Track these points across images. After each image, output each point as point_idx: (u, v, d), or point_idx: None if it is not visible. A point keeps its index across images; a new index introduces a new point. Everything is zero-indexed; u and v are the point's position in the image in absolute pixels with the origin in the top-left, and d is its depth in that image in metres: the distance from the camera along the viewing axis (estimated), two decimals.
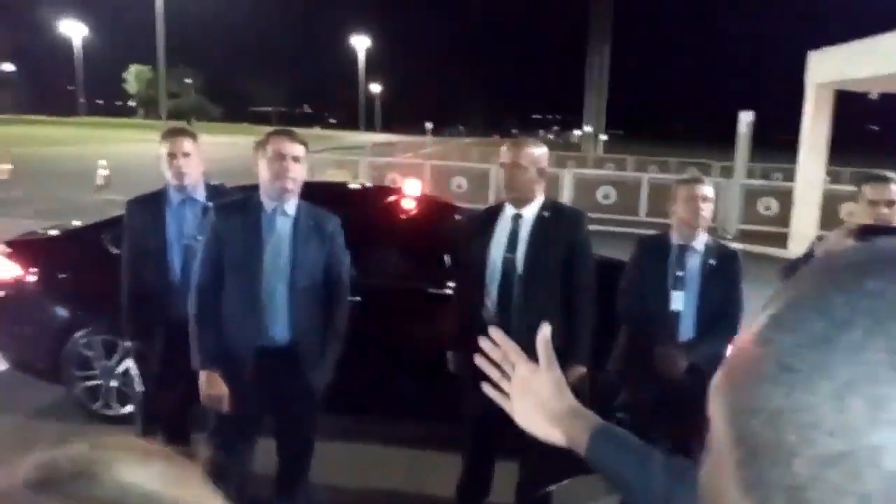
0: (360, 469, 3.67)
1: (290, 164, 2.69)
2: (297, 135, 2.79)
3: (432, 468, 3.70)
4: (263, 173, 2.73)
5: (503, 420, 3.04)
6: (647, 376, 2.93)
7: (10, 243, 4.26)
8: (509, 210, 2.97)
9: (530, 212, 2.94)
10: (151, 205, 3.21)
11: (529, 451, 2.93)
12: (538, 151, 2.94)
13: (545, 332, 1.00)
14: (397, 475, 3.61)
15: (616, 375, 3.16)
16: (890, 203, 2.86)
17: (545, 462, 2.94)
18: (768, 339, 0.37)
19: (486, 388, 1.01)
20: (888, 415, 0.32)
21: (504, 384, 0.99)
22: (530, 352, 3.14)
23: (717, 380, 0.40)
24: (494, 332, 1.01)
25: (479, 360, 1.04)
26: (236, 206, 2.83)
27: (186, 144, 3.16)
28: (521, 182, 2.89)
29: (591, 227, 3.13)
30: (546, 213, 2.94)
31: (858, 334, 0.33)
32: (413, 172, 14.24)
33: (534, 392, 0.97)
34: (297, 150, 2.72)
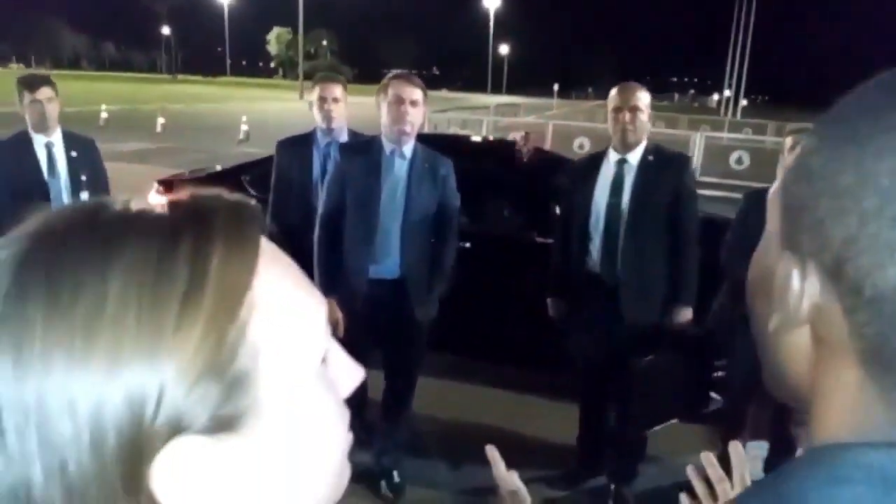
0: (461, 406, 3.85)
1: (408, 108, 2.82)
2: (415, 79, 2.90)
3: (529, 411, 3.82)
4: (384, 117, 2.88)
5: (611, 361, 3.11)
6: (745, 335, 2.88)
7: (161, 181, 4.75)
8: (613, 155, 2.97)
9: (635, 157, 2.94)
10: (300, 145, 3.44)
11: (629, 394, 2.98)
12: (648, 96, 2.94)
13: (492, 454, 0.89)
14: (497, 414, 3.75)
15: (715, 336, 3.12)
16: None
17: (644, 406, 2.99)
18: (808, 138, 0.43)
19: (683, 500, 0.86)
20: None
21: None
22: (634, 296, 3.16)
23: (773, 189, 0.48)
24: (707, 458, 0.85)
25: (690, 472, 0.86)
26: (359, 147, 3.03)
27: (337, 90, 3.37)
28: (638, 125, 2.88)
29: (722, 194, 3.08)
30: (651, 157, 2.93)
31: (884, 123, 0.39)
32: (536, 132, 14.14)
33: None
34: (416, 94, 2.84)
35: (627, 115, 2.87)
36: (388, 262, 2.90)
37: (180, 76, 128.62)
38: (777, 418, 3.11)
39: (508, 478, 0.85)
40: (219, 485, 0.36)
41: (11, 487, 0.33)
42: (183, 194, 0.40)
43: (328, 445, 0.43)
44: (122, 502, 0.33)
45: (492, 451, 0.86)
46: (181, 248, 0.35)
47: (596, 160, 3.06)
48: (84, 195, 3.28)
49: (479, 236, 3.86)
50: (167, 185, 4.69)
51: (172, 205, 0.38)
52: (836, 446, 0.40)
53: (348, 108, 3.47)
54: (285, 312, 0.39)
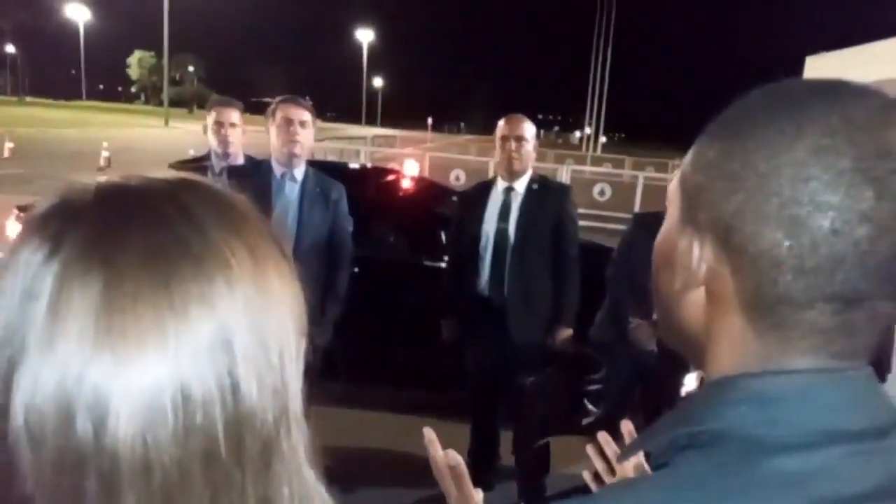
0: (353, 432, 3.83)
1: (297, 129, 2.85)
2: (303, 101, 2.94)
3: (420, 431, 3.86)
4: (273, 139, 2.89)
5: (502, 379, 3.20)
6: (622, 348, 3.10)
7: (21, 208, 4.41)
8: (501, 184, 3.13)
9: (521, 185, 3.11)
10: (194, 170, 3.34)
11: (526, 409, 3.11)
12: (533, 127, 3.13)
13: (429, 435, 0.91)
14: (389, 437, 3.77)
15: (593, 348, 3.33)
16: None
17: (541, 418, 3.13)
18: (702, 138, 0.56)
19: (586, 476, 0.94)
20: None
21: (608, 478, 0.93)
22: (521, 315, 3.27)
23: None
24: (603, 437, 0.93)
25: (589, 449, 0.94)
26: (249, 170, 3.01)
27: (234, 115, 3.32)
28: (523, 154, 3.05)
29: (588, 224, 3.30)
30: (535, 186, 3.12)
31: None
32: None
33: None
34: (304, 115, 2.88)
35: (513, 144, 3.04)
36: None
37: (29, 98, 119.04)
38: (650, 424, 3.35)
39: (445, 456, 0.88)
40: None
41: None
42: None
43: None
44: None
45: (429, 433, 0.91)
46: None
47: (485, 188, 3.22)
48: None
49: (367, 261, 3.90)
50: (27, 210, 4.38)
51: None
52: (725, 377, 0.52)
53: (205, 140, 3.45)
54: None
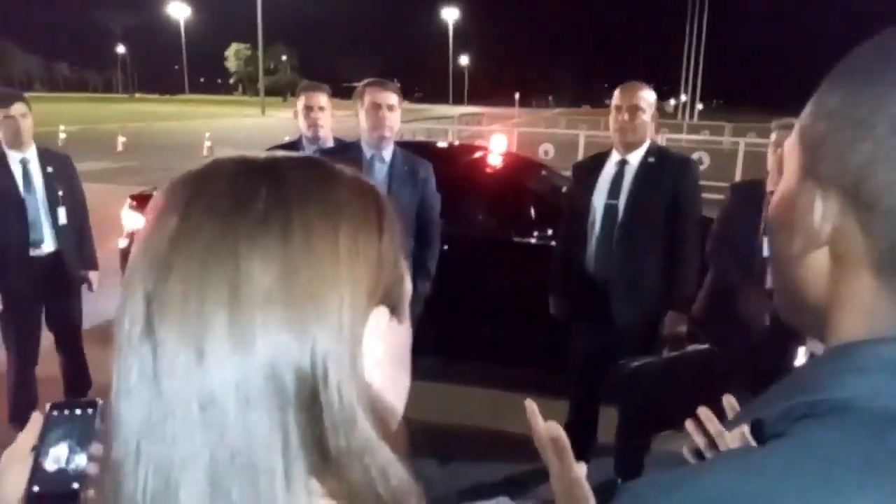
0: (449, 407, 3.88)
1: (385, 113, 2.87)
2: (391, 84, 2.96)
3: (517, 408, 3.87)
4: (362, 122, 2.93)
5: (605, 361, 3.10)
6: (731, 323, 2.95)
7: (134, 196, 4.71)
8: (615, 156, 2.96)
9: (636, 158, 2.91)
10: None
11: (632, 397, 3.02)
12: (652, 95, 2.91)
13: (531, 407, 0.91)
14: (485, 413, 3.80)
15: (697, 326, 3.19)
16: None
17: (647, 409, 3.03)
18: (823, 88, 0.51)
19: (686, 453, 0.87)
20: None
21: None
22: (626, 297, 3.12)
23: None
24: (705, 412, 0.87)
25: (689, 425, 0.88)
26: (339, 152, 3.08)
27: (322, 99, 3.41)
28: (637, 125, 2.85)
29: None
30: (651, 159, 2.90)
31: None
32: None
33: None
34: (391, 98, 2.90)
35: (626, 115, 2.85)
36: None
37: (138, 95, 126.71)
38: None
39: (547, 428, 0.89)
40: (385, 346, 0.48)
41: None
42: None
43: (409, 357, 0.55)
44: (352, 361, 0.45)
45: (530, 405, 0.91)
46: (364, 182, 0.51)
47: (599, 160, 3.05)
48: (61, 211, 3.25)
49: (457, 238, 3.92)
50: (140, 199, 4.67)
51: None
52: (852, 343, 0.47)
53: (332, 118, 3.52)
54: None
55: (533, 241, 4.04)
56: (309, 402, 0.42)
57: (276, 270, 0.42)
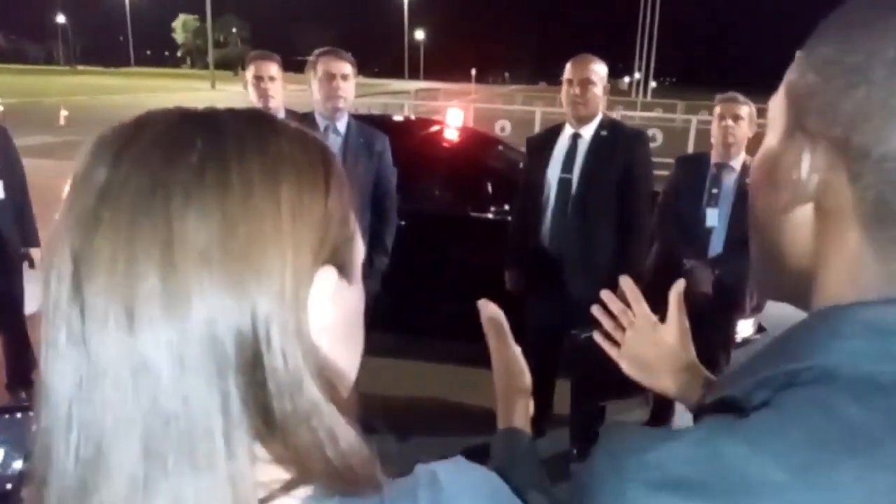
0: (406, 383, 3.88)
1: (339, 83, 2.81)
2: (344, 53, 2.89)
3: (474, 382, 3.89)
4: (315, 93, 2.87)
5: (560, 334, 3.13)
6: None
7: None
8: (568, 130, 2.95)
9: (588, 131, 2.91)
10: None
11: (584, 367, 3.05)
12: (603, 68, 2.91)
13: (679, 286, 0.94)
14: (441, 388, 3.81)
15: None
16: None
17: (599, 378, 3.07)
18: (811, 42, 0.50)
19: (597, 337, 0.98)
20: None
21: (618, 334, 0.96)
22: (580, 270, 3.17)
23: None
24: (625, 281, 0.97)
25: (595, 310, 1.00)
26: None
27: (272, 69, 3.29)
28: (589, 98, 2.84)
29: None
30: (604, 132, 2.90)
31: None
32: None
33: (656, 343, 0.92)
34: (345, 68, 2.84)
35: (578, 89, 2.84)
36: None
37: (80, 67, 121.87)
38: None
39: (485, 306, 0.95)
40: (334, 309, 0.46)
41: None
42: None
43: (361, 320, 0.54)
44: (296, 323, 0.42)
45: (484, 302, 0.96)
46: (311, 139, 0.48)
47: (552, 134, 3.04)
48: None
49: (413, 213, 3.89)
50: None
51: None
52: (835, 307, 0.46)
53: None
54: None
55: (490, 216, 4.03)
56: (251, 366, 0.40)
57: (213, 228, 0.39)
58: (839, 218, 0.47)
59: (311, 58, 2.93)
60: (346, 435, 0.43)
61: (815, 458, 0.39)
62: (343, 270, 0.47)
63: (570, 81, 2.89)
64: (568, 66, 2.92)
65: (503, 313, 0.93)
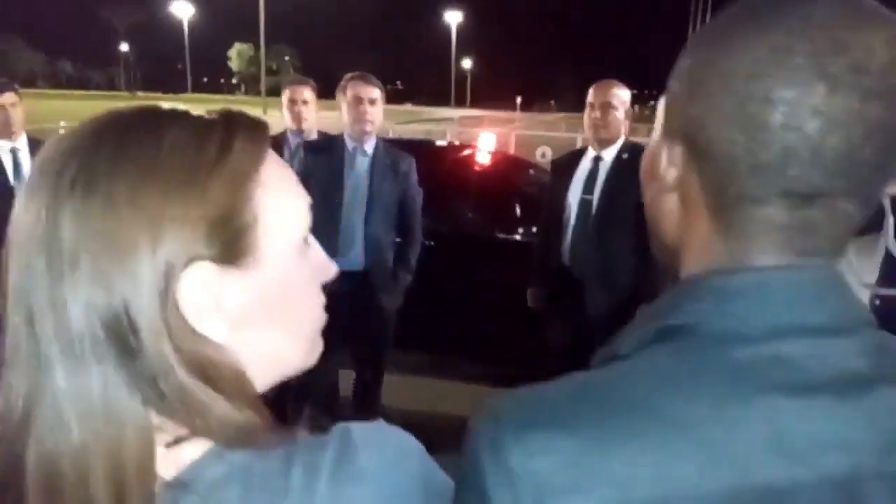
0: (431, 400, 3.92)
1: (367, 107, 2.93)
2: (372, 78, 3.02)
3: None
4: (345, 116, 2.99)
5: (578, 353, 3.14)
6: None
7: None
8: (590, 153, 3.04)
9: (610, 154, 2.99)
10: (271, 147, 3.52)
11: None
12: (626, 93, 3.00)
13: None
14: (467, 407, 3.84)
15: None
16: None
17: None
18: (683, 52, 0.58)
19: None
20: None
21: None
22: (598, 291, 3.21)
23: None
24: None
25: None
26: (323, 144, 3.14)
27: (306, 93, 3.47)
28: (610, 121, 2.93)
29: None
30: (624, 155, 2.98)
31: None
32: (498, 141, 14.35)
33: None
34: (373, 92, 2.96)
35: (599, 112, 2.92)
36: (351, 255, 2.98)
37: (140, 93, 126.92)
38: None
39: None
40: (226, 306, 0.49)
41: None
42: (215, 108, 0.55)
43: (304, 306, 0.57)
44: (162, 313, 0.47)
45: None
46: (214, 134, 0.51)
47: (575, 157, 3.14)
48: None
49: (443, 235, 3.98)
50: None
51: (209, 111, 0.54)
52: (694, 276, 0.55)
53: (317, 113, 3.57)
54: (280, 194, 0.54)
55: (518, 237, 4.09)
56: (125, 353, 0.46)
57: (82, 231, 0.46)
58: (694, 206, 0.56)
59: (341, 82, 3.07)
60: (221, 409, 0.48)
61: (655, 395, 0.48)
62: (238, 260, 0.50)
63: (591, 105, 2.97)
64: (591, 90, 3.01)
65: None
